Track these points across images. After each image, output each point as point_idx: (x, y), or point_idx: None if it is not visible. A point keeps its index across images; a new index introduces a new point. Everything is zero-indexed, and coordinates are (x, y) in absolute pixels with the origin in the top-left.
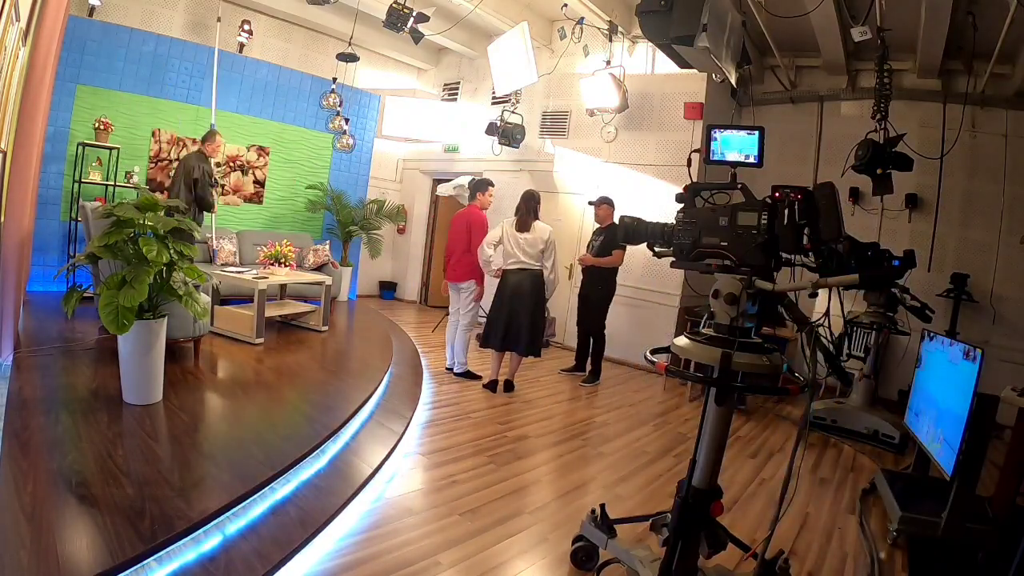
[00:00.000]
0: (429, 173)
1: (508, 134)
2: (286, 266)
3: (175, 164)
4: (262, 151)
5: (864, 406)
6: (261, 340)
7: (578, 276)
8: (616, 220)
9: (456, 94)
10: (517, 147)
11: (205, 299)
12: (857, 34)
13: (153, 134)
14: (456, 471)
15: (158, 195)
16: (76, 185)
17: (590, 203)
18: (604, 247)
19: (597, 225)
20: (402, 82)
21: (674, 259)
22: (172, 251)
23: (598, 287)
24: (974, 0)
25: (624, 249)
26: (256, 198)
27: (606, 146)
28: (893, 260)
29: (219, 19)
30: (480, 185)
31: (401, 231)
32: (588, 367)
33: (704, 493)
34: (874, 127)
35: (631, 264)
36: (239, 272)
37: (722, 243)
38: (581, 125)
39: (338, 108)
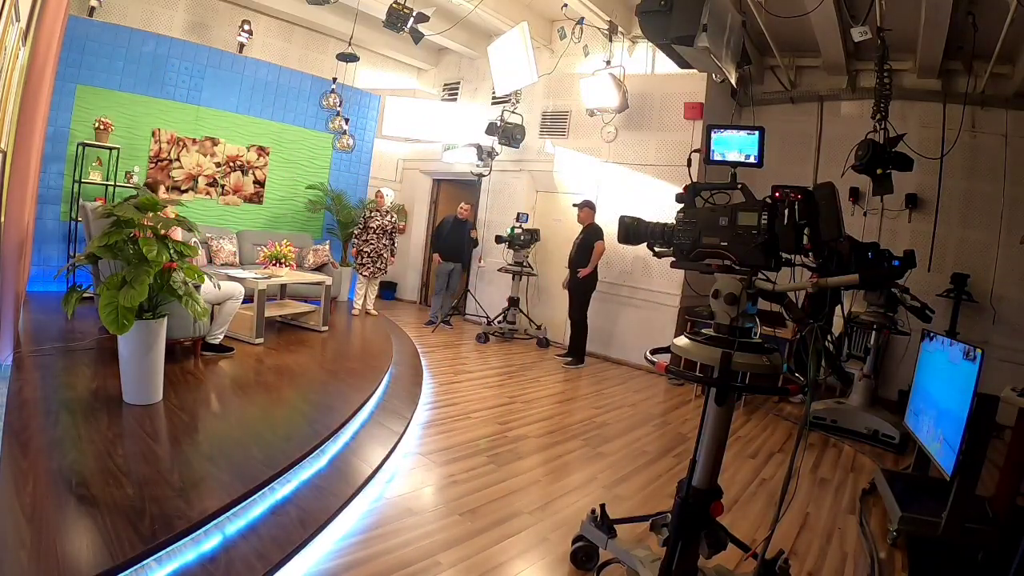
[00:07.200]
0: (429, 173)
1: (508, 134)
2: (286, 266)
3: (175, 164)
4: (262, 151)
5: (864, 406)
6: (261, 340)
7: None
8: (595, 221)
9: (456, 94)
10: (517, 147)
11: (205, 299)
12: (857, 34)
13: (153, 134)
14: (456, 471)
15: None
16: (76, 185)
17: (574, 205)
18: (582, 244)
19: (580, 225)
20: (402, 82)
21: (674, 259)
22: (172, 251)
23: (579, 280)
24: (974, 0)
25: (602, 240)
26: (256, 198)
27: (606, 146)
28: (893, 260)
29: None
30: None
31: (401, 231)
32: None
33: (704, 493)
34: (874, 127)
35: (631, 264)
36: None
37: (722, 243)
38: (581, 125)
39: (338, 108)
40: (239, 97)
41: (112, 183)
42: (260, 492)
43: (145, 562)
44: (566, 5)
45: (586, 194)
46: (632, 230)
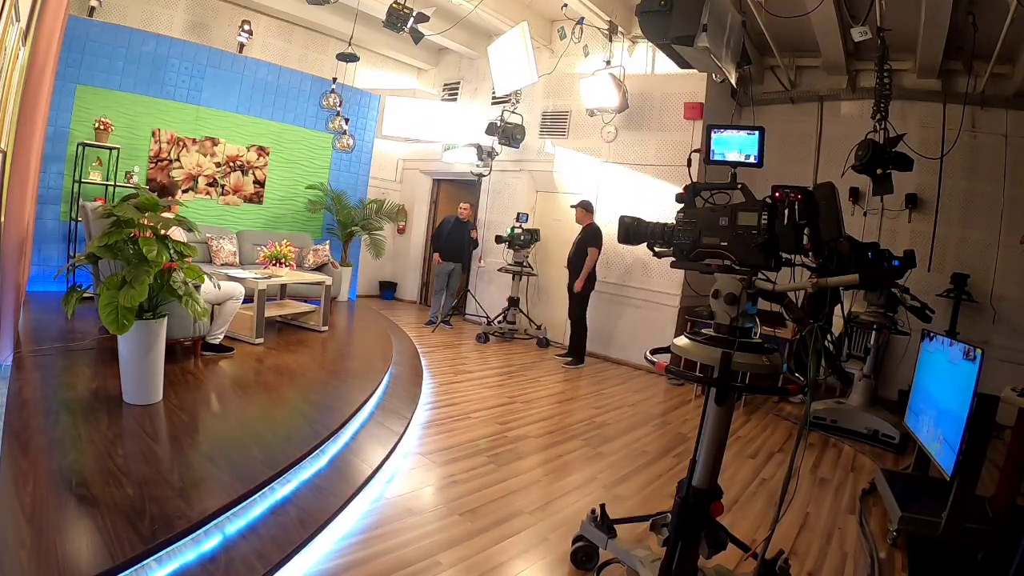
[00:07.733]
0: (429, 173)
1: (508, 134)
2: (286, 266)
3: (175, 164)
4: (262, 151)
5: (864, 406)
6: (261, 340)
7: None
8: (594, 221)
9: (456, 94)
10: (517, 147)
11: (205, 299)
12: (857, 34)
13: (153, 134)
14: (456, 471)
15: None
16: (76, 185)
17: (572, 207)
18: (579, 245)
19: (579, 226)
20: (402, 82)
21: (674, 259)
22: (172, 251)
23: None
24: (974, 0)
25: (598, 249)
26: (256, 198)
27: (606, 146)
28: (893, 260)
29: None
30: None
31: (401, 231)
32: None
33: (704, 493)
34: (874, 127)
35: (631, 264)
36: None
37: (722, 243)
38: (581, 125)
39: (338, 108)
40: (239, 97)
41: (112, 183)
42: (260, 492)
43: (145, 562)
44: (566, 5)
45: (586, 194)
46: (632, 230)
